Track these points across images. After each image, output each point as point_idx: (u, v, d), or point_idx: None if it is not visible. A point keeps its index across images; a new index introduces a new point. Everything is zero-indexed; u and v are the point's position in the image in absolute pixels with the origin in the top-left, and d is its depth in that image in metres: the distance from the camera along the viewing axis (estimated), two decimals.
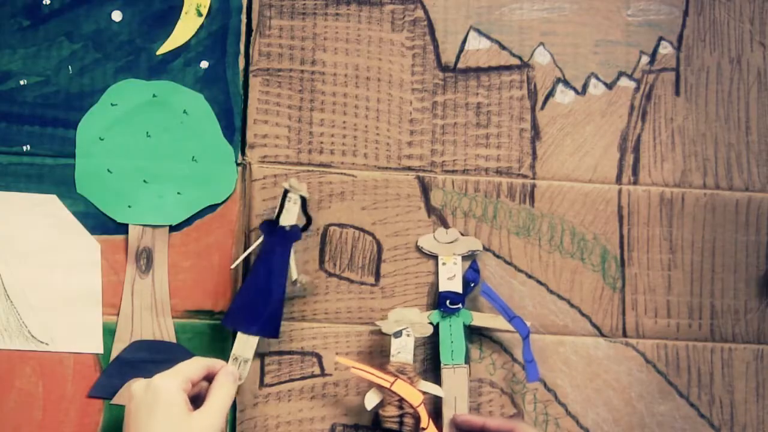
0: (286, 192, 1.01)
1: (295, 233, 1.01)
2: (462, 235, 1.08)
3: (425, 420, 1.01)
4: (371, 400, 1.02)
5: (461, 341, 1.04)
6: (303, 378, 1.07)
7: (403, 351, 1.03)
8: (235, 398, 1.04)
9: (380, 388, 1.02)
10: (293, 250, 1.02)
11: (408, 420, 1.01)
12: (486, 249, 1.10)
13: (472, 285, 1.06)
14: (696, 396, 1.10)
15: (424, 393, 1.02)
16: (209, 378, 0.93)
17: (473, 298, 1.08)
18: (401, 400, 1.01)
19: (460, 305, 1.05)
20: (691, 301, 1.11)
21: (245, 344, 0.98)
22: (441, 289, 1.06)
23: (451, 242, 1.07)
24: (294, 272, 1.03)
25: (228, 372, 0.93)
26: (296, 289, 1.05)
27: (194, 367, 0.92)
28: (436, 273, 1.08)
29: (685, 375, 1.10)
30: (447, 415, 1.04)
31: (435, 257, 1.08)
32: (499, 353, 1.09)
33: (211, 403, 0.89)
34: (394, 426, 1.01)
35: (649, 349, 1.10)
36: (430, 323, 1.05)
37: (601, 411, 1.10)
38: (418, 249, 1.08)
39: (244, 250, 1.06)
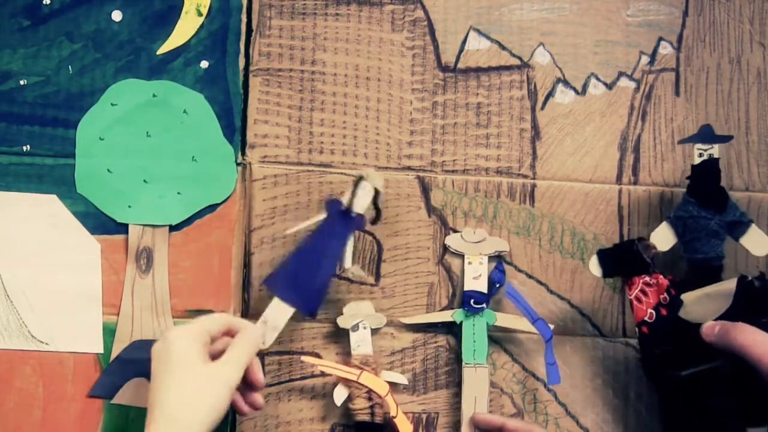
0: (360, 179, 0.99)
1: (359, 221, 0.99)
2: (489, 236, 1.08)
3: (394, 408, 1.01)
4: (340, 395, 1.02)
5: (484, 341, 1.05)
6: (303, 378, 1.07)
7: (362, 344, 1.04)
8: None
9: (347, 382, 1.02)
10: (352, 238, 1.01)
11: (378, 410, 1.02)
12: None
13: (497, 286, 1.06)
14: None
15: (390, 383, 1.03)
16: (233, 335, 0.91)
17: (497, 299, 1.08)
18: (369, 391, 1.01)
19: (484, 305, 1.05)
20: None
21: (279, 311, 0.96)
22: (466, 288, 1.06)
23: (479, 242, 1.07)
24: (348, 260, 1.01)
25: (252, 330, 0.91)
26: (346, 274, 1.05)
27: (213, 320, 0.90)
28: (462, 272, 1.08)
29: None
30: (466, 414, 1.04)
31: (462, 256, 1.08)
32: (499, 353, 1.09)
33: (228, 356, 0.87)
34: (366, 418, 1.02)
35: None
36: (454, 321, 1.06)
37: (601, 411, 1.10)
38: (446, 247, 1.08)
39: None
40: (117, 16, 1.06)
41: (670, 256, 1.05)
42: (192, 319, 0.91)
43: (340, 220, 0.98)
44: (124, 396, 1.03)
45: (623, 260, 1.03)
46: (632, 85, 1.13)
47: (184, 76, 1.06)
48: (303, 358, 1.04)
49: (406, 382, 1.06)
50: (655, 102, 1.13)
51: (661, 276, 1.02)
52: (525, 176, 1.11)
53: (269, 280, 1.00)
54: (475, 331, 1.05)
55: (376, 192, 1.00)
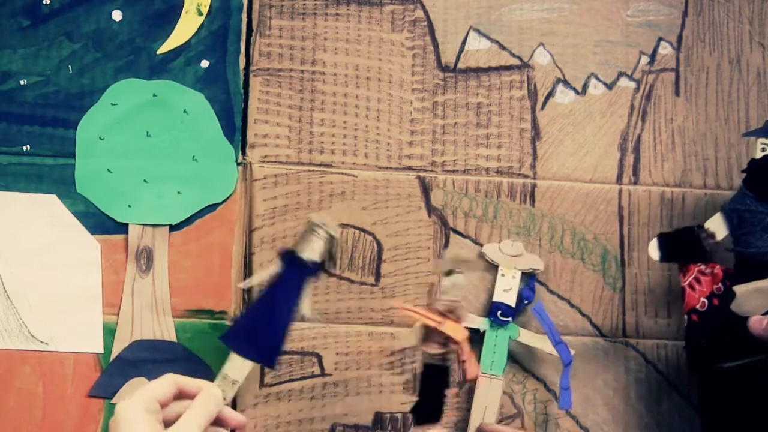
0: (312, 225, 0.96)
1: (314, 270, 0.97)
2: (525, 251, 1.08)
3: (467, 352, 1.00)
4: (413, 337, 1.01)
5: (504, 354, 1.04)
6: (303, 378, 1.07)
7: (453, 289, 1.00)
8: (235, 399, 1.04)
9: (428, 328, 1.00)
10: (308, 286, 0.99)
11: (451, 356, 1.01)
12: None
13: (525, 302, 1.06)
14: (696, 396, 1.10)
15: (469, 329, 1.01)
16: (192, 396, 0.90)
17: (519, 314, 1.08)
18: (446, 337, 1.00)
19: (510, 319, 1.05)
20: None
21: (239, 366, 0.95)
22: (495, 299, 1.06)
23: (515, 256, 1.07)
24: (308, 309, 1.00)
25: (210, 393, 0.85)
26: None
27: (161, 385, 0.84)
28: (493, 282, 1.07)
29: (685, 375, 1.10)
30: (474, 423, 1.04)
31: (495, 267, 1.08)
32: None
33: (181, 421, 0.83)
34: (437, 362, 1.00)
35: (649, 349, 1.10)
36: (478, 330, 1.05)
37: (601, 411, 1.10)
38: (482, 255, 1.07)
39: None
40: (117, 15, 1.06)
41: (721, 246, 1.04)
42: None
43: (296, 270, 0.96)
44: (124, 396, 1.03)
45: (682, 246, 1.02)
46: (632, 85, 1.13)
47: (184, 76, 1.06)
48: (394, 303, 1.04)
49: (487, 327, 1.05)
50: (655, 102, 1.13)
51: (718, 266, 1.01)
52: (525, 176, 1.11)
53: (225, 337, 0.98)
54: (496, 343, 1.05)
55: (331, 238, 0.97)
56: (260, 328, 0.96)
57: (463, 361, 1.00)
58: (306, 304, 0.99)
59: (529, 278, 1.07)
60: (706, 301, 1.00)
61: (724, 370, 0.97)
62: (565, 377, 1.04)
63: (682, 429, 1.10)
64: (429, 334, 1.01)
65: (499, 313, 1.05)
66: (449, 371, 1.01)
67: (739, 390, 0.97)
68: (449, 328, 0.99)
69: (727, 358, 0.96)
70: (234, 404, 1.05)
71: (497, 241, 1.09)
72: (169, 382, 0.85)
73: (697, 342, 1.01)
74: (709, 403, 1.03)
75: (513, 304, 1.05)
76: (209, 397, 0.85)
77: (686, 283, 1.02)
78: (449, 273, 1.01)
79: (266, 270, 1.00)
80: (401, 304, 1.03)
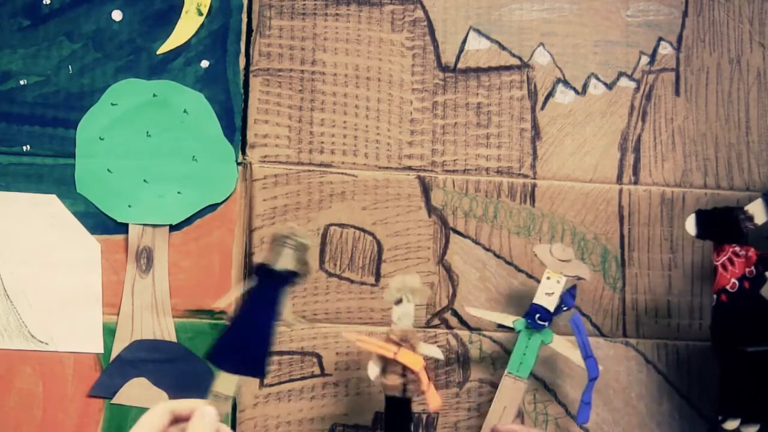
0: (280, 237, 0.94)
1: (289, 278, 0.95)
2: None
3: (425, 383, 1.00)
4: (373, 370, 1.01)
5: (533, 357, 1.03)
6: (303, 378, 1.07)
7: (404, 318, 1.02)
8: (235, 399, 1.04)
9: (383, 357, 1.01)
10: (286, 295, 0.96)
11: (411, 387, 1.01)
12: (486, 249, 1.10)
13: (564, 309, 1.04)
14: (696, 396, 1.10)
15: (425, 357, 1.01)
16: (186, 418, 0.87)
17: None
18: (404, 368, 1.00)
19: (546, 323, 1.03)
20: (691, 301, 1.11)
21: (227, 382, 0.92)
22: (536, 301, 1.04)
23: (564, 261, 1.05)
24: (289, 315, 1.01)
25: (204, 413, 0.87)
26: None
27: (154, 416, 0.85)
28: (539, 283, 1.06)
29: (685, 375, 1.11)
30: (491, 421, 1.03)
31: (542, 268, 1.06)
32: (500, 353, 1.09)
33: None
34: (397, 394, 1.01)
35: (649, 349, 1.10)
36: (512, 328, 1.04)
37: (601, 411, 1.10)
38: (534, 254, 1.07)
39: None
40: (117, 15, 1.06)
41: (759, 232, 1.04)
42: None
43: (270, 282, 0.94)
44: (124, 396, 1.03)
45: (720, 225, 1.01)
46: (632, 85, 1.13)
47: (184, 76, 1.06)
48: (344, 333, 1.04)
49: (442, 357, 1.05)
50: (655, 102, 1.13)
51: (752, 248, 1.01)
52: (525, 176, 1.11)
53: (213, 358, 0.94)
54: (528, 345, 1.03)
55: (303, 246, 0.95)
56: (243, 343, 0.95)
57: (423, 392, 0.99)
58: (287, 311, 0.99)
59: (572, 286, 1.04)
60: (737, 283, 1.00)
61: (747, 354, 0.96)
62: (588, 392, 1.02)
63: (682, 429, 1.10)
64: (387, 364, 1.01)
65: (537, 316, 1.03)
66: (410, 403, 1.01)
67: (758, 375, 0.97)
68: (405, 357, 0.99)
69: (752, 342, 0.96)
70: (234, 404, 1.05)
71: (497, 241, 1.09)
72: (162, 411, 0.85)
73: (723, 322, 1.00)
74: (726, 385, 1.02)
75: (552, 308, 1.03)
76: (204, 416, 0.85)
77: (719, 262, 1.01)
78: (399, 302, 1.01)
79: (241, 286, 0.99)
80: (354, 336, 1.02)
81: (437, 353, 1.04)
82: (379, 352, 1.00)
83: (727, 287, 1.00)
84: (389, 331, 1.01)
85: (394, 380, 1.00)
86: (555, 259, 1.04)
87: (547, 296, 1.03)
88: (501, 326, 1.06)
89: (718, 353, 1.03)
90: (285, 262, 0.91)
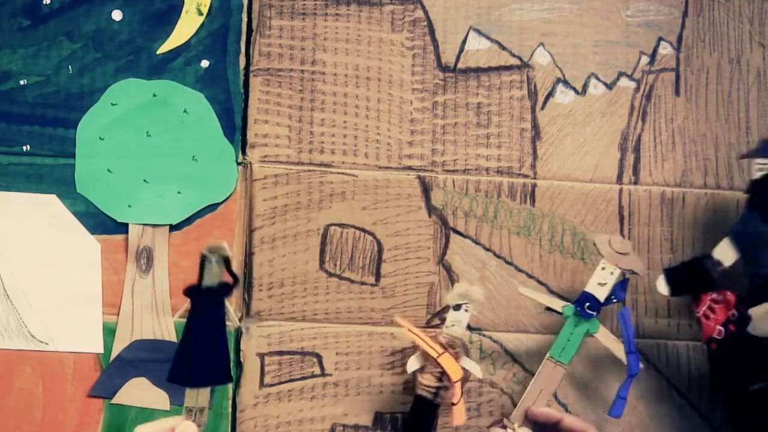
0: (204, 258, 0.93)
1: (223, 290, 0.94)
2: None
3: (458, 396, 1.00)
4: (413, 365, 1.02)
5: (576, 344, 1.03)
6: (303, 378, 1.06)
7: (457, 324, 1.02)
8: (235, 398, 1.04)
9: (426, 356, 1.01)
10: (225, 305, 0.96)
11: (444, 393, 1.01)
12: (486, 249, 1.10)
13: (614, 300, 1.04)
14: (696, 396, 1.10)
15: (465, 370, 1.02)
16: None
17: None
18: (442, 372, 1.00)
19: (595, 313, 1.04)
20: (691, 301, 1.11)
21: (197, 395, 0.93)
22: (587, 289, 1.04)
23: (621, 254, 1.05)
24: (235, 320, 1.02)
25: (183, 429, 0.88)
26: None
27: None
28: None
29: (685, 375, 1.10)
30: (526, 403, 1.03)
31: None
32: (500, 353, 1.09)
33: None
34: (428, 396, 1.01)
35: (649, 349, 1.10)
36: (560, 312, 1.04)
37: (601, 411, 1.09)
38: (594, 243, 1.06)
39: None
40: (117, 15, 1.06)
41: (730, 272, 1.04)
42: None
43: (205, 299, 0.94)
44: (124, 396, 1.03)
45: (691, 278, 1.02)
46: (632, 85, 1.13)
47: (184, 76, 1.06)
48: (396, 318, 1.03)
49: (481, 376, 1.04)
50: (655, 102, 1.13)
51: (728, 292, 1.01)
52: (525, 176, 1.11)
53: (174, 377, 0.94)
54: (573, 332, 1.03)
55: (226, 259, 0.94)
56: (197, 358, 0.95)
57: (453, 404, 1.00)
58: (234, 318, 1.00)
59: (624, 280, 1.05)
60: (722, 329, 1.00)
61: (752, 393, 0.96)
62: (625, 387, 1.02)
63: (682, 429, 1.10)
64: (427, 362, 1.01)
65: (587, 305, 1.03)
66: (438, 409, 1.01)
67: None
68: (447, 362, 0.99)
69: (753, 380, 0.96)
70: (234, 405, 1.05)
71: (497, 241, 1.09)
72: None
73: (721, 368, 1.01)
74: (740, 425, 1.03)
75: (603, 299, 1.03)
76: None
77: (701, 313, 1.01)
78: (457, 307, 1.01)
79: (181, 309, 0.98)
80: (407, 324, 1.02)
81: (477, 371, 1.03)
82: (424, 348, 1.00)
83: (714, 335, 1.00)
84: (439, 332, 1.01)
85: (429, 380, 1.01)
86: (612, 251, 1.04)
87: (599, 286, 1.04)
88: (549, 309, 1.05)
89: (726, 398, 1.05)
90: (212, 277, 0.92)
